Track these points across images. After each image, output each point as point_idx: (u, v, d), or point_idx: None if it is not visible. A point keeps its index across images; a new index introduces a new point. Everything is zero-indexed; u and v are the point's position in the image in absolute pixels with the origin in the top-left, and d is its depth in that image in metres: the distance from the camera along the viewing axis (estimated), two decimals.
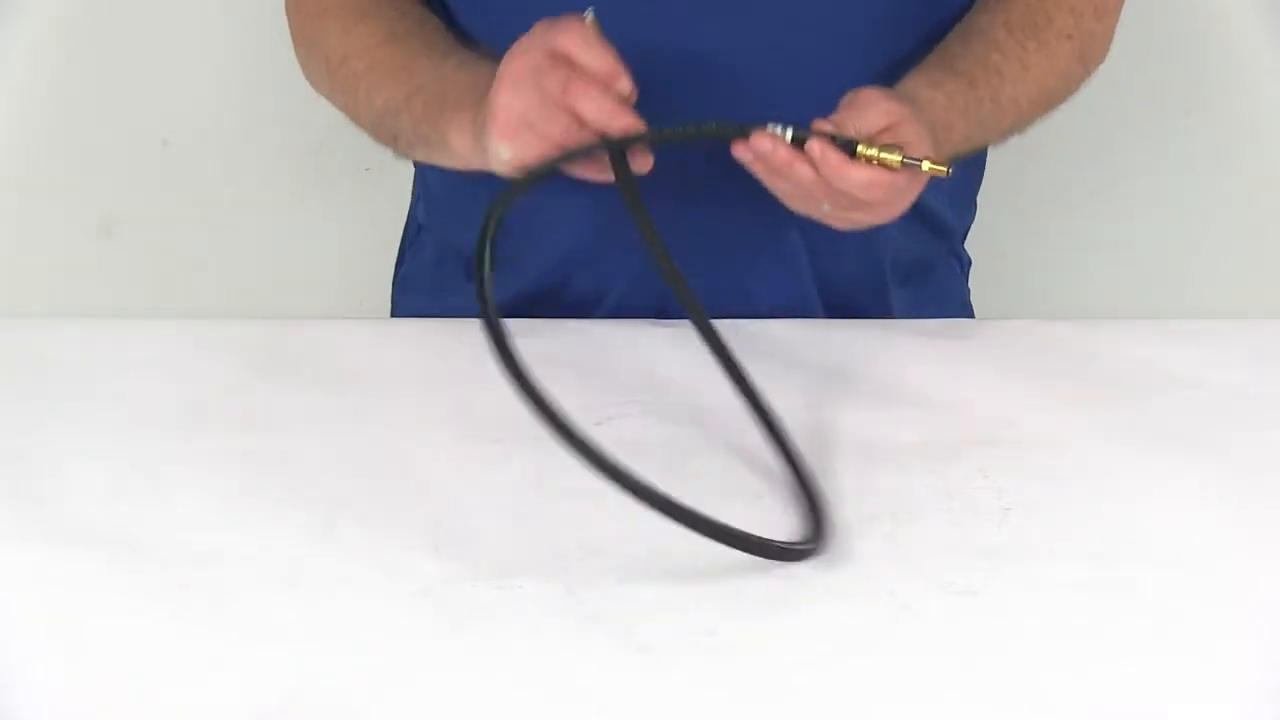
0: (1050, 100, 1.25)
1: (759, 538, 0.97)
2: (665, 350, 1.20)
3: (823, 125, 1.08)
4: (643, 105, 1.12)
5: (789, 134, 1.06)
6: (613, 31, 1.12)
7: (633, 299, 1.29)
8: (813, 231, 1.23)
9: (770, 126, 1.07)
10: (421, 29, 1.23)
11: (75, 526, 1.02)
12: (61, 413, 1.15)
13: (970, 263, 1.50)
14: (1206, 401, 1.16)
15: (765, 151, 1.08)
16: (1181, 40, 1.87)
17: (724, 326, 1.25)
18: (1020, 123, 1.24)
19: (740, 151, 1.09)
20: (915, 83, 1.18)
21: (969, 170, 1.38)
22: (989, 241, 1.80)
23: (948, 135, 1.16)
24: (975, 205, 1.46)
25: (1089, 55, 1.27)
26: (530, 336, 1.24)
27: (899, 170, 1.04)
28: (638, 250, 1.22)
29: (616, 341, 1.22)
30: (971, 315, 1.47)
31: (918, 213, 1.36)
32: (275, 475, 1.08)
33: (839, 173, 1.07)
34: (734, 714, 0.87)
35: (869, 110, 1.09)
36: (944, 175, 1.05)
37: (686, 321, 1.25)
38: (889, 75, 1.24)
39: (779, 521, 1.02)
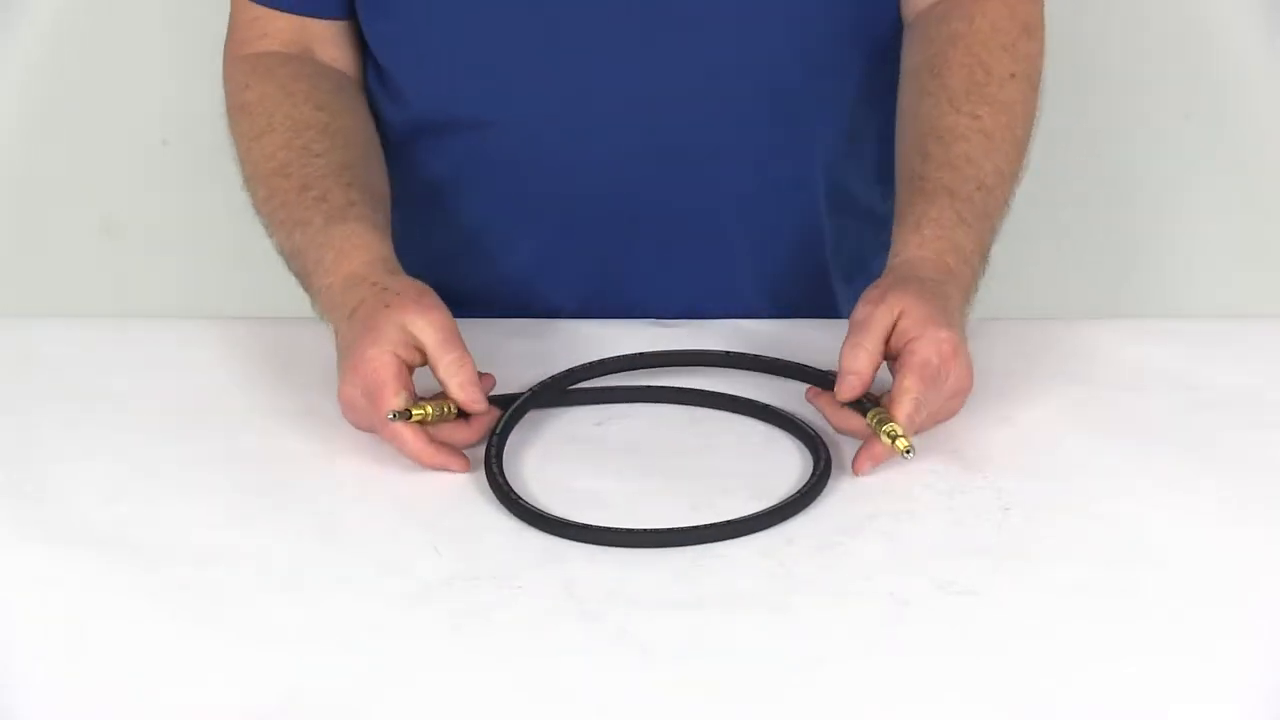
0: (1026, 141, 1.25)
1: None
2: (664, 349, 1.20)
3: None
4: (588, 145, 1.23)
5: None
6: (550, 75, 1.24)
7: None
8: (755, 232, 1.30)
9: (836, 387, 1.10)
10: (306, 157, 1.23)
11: (75, 526, 1.02)
12: (61, 413, 1.15)
13: None
14: (1206, 401, 1.15)
15: (818, 406, 1.13)
16: (1181, 40, 1.87)
17: (723, 326, 1.25)
18: (1014, 181, 1.23)
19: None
20: (899, 239, 1.17)
21: (884, 164, 1.38)
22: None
23: (958, 257, 1.16)
24: None
25: (1036, 77, 1.27)
26: (528, 337, 1.24)
27: (887, 446, 1.06)
28: (581, 274, 1.30)
29: (615, 341, 1.22)
30: None
31: (852, 208, 1.37)
32: (275, 475, 1.08)
33: (839, 423, 1.11)
34: (734, 714, 0.87)
35: (870, 326, 1.09)
36: (903, 455, 1.05)
37: (686, 321, 1.26)
38: (824, 93, 1.28)
39: None
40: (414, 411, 1.06)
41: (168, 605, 0.95)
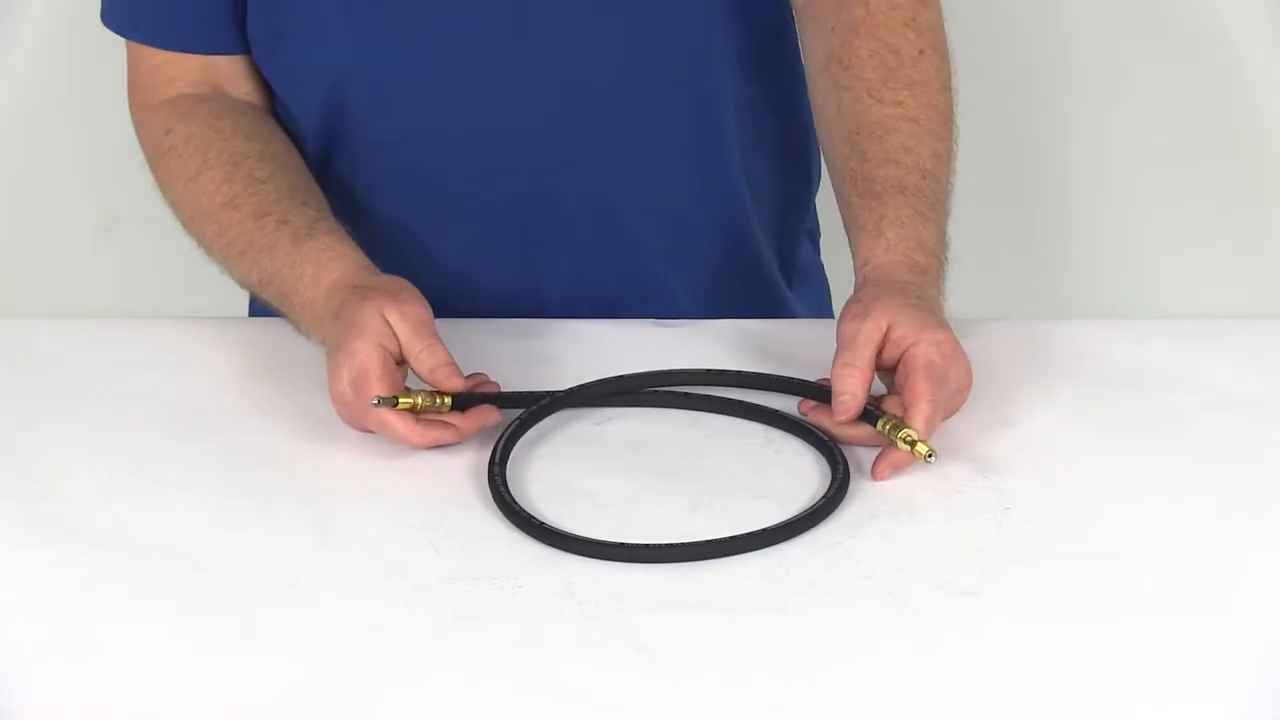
0: (951, 113, 1.24)
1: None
2: (664, 350, 1.20)
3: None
4: (493, 149, 1.24)
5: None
6: (460, 84, 1.25)
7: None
8: (669, 227, 1.32)
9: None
10: (252, 185, 1.23)
11: (75, 526, 1.02)
12: (61, 413, 1.15)
13: (819, 231, 1.51)
14: (1206, 401, 1.15)
15: (815, 420, 1.12)
16: (1181, 40, 1.87)
17: (721, 326, 1.25)
18: (952, 156, 1.23)
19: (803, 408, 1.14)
20: (863, 246, 1.17)
21: (786, 139, 1.38)
22: (989, 241, 1.81)
23: (925, 252, 1.15)
24: (815, 172, 1.45)
25: (943, 45, 1.25)
26: (527, 337, 1.24)
27: (904, 450, 1.06)
28: (498, 272, 1.31)
29: (615, 341, 1.22)
30: (828, 290, 1.50)
31: (768, 195, 1.38)
32: (275, 475, 1.08)
33: (844, 433, 1.10)
34: (734, 714, 0.87)
35: (859, 343, 1.09)
36: (925, 460, 1.05)
37: (686, 322, 1.26)
38: (712, 77, 1.29)
39: (781, 518, 1.01)
40: (401, 400, 1.07)
41: (168, 605, 0.95)
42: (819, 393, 1.13)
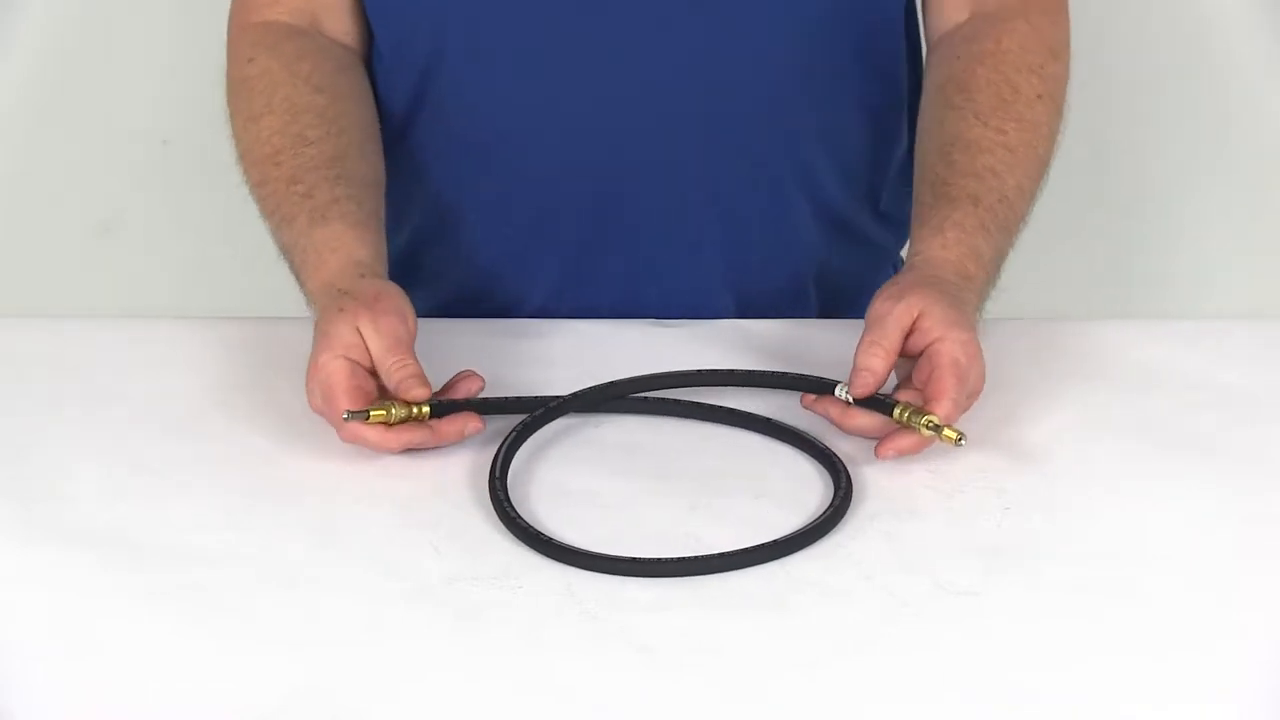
0: (1048, 161, 1.26)
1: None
2: (663, 350, 1.20)
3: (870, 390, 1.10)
4: (575, 139, 1.24)
5: (849, 395, 1.10)
6: (556, 70, 1.25)
7: (549, 309, 1.31)
8: (730, 242, 1.31)
9: (839, 389, 1.10)
10: (299, 146, 1.23)
11: (75, 526, 1.02)
12: (62, 413, 1.15)
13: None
14: (1206, 401, 1.15)
15: (820, 412, 1.12)
16: (1181, 40, 1.87)
17: (721, 326, 1.25)
18: (1033, 199, 1.25)
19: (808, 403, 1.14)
20: (921, 239, 1.18)
21: (905, 190, 1.38)
22: None
23: (978, 263, 1.17)
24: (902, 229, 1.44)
25: (1061, 99, 1.28)
26: (528, 337, 1.24)
27: (927, 435, 1.06)
28: (553, 264, 1.29)
29: (615, 341, 1.22)
30: None
31: (849, 234, 1.37)
32: (275, 475, 1.08)
33: (848, 423, 1.10)
34: (734, 714, 0.87)
35: (888, 324, 1.10)
36: (955, 444, 1.05)
37: (685, 322, 1.26)
38: (819, 89, 1.28)
39: (780, 518, 1.02)
40: (373, 412, 1.06)
41: (167, 605, 0.95)
42: (819, 386, 1.13)
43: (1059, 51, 1.28)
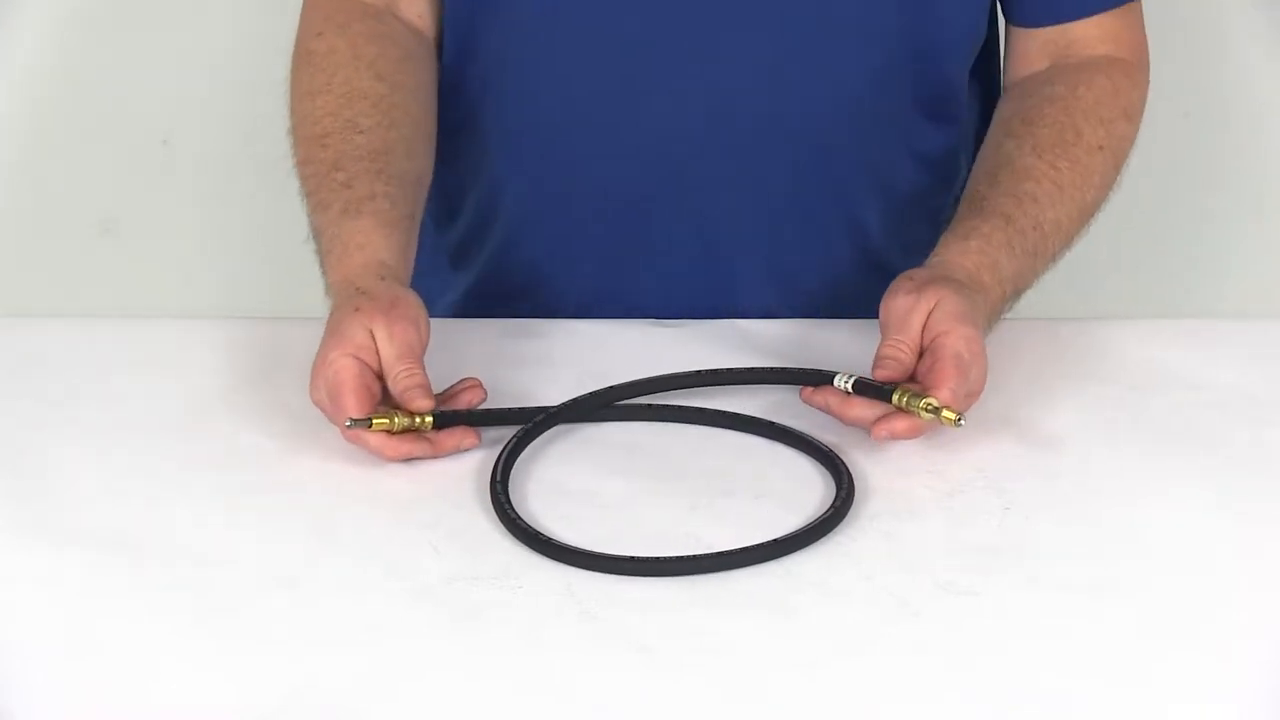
0: (1092, 210, 1.26)
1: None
2: (664, 350, 1.20)
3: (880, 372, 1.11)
4: (642, 152, 1.23)
5: (848, 384, 1.11)
6: (621, 73, 1.25)
7: (586, 309, 1.31)
8: (772, 268, 1.31)
9: (837, 379, 1.11)
10: (349, 133, 1.23)
11: (75, 526, 1.02)
12: (61, 413, 1.15)
13: None
14: (1206, 401, 1.15)
15: (819, 404, 1.12)
16: (1181, 40, 1.87)
17: (721, 326, 1.25)
18: (1069, 240, 1.25)
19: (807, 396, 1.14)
20: (946, 241, 1.19)
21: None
22: None
23: (994, 276, 1.17)
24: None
25: (1121, 157, 1.28)
26: (528, 336, 1.24)
27: (926, 418, 1.06)
28: (590, 267, 1.29)
29: (615, 341, 1.22)
30: None
31: (881, 270, 1.36)
32: (275, 475, 1.08)
33: (848, 414, 1.10)
34: (734, 714, 0.87)
35: (908, 319, 1.10)
36: (954, 425, 1.06)
37: (686, 322, 1.26)
38: (877, 131, 1.28)
39: (780, 518, 1.02)
40: (375, 420, 1.06)
41: (167, 605, 0.95)
42: (817, 378, 1.12)
43: (1132, 115, 1.29)
